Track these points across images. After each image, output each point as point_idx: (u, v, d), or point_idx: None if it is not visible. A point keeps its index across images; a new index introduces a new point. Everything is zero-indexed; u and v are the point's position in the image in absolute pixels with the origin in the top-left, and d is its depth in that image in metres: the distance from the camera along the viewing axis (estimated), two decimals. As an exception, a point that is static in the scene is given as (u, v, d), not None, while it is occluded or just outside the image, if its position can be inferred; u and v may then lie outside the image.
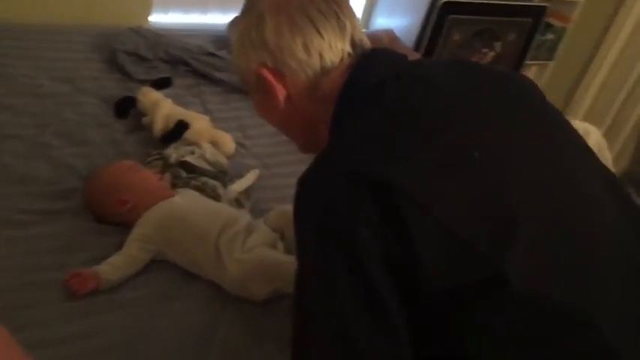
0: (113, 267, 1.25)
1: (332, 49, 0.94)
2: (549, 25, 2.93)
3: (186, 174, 1.53)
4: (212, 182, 1.51)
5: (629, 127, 3.07)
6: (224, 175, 1.58)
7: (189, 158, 1.55)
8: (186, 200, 1.40)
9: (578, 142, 0.96)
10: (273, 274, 1.27)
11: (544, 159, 0.86)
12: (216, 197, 1.50)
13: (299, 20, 0.93)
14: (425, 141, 0.82)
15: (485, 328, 0.77)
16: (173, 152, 1.59)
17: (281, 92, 0.96)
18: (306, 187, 0.84)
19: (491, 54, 2.80)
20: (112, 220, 1.39)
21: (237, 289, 1.28)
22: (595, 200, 0.87)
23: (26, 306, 1.17)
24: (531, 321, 0.76)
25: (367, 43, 0.99)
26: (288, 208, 1.39)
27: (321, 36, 0.93)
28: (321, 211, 0.79)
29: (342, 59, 0.95)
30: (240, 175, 1.64)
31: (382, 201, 0.75)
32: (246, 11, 0.99)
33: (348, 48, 0.96)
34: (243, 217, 1.40)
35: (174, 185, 1.51)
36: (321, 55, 0.93)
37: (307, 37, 0.93)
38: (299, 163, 1.80)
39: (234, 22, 1.01)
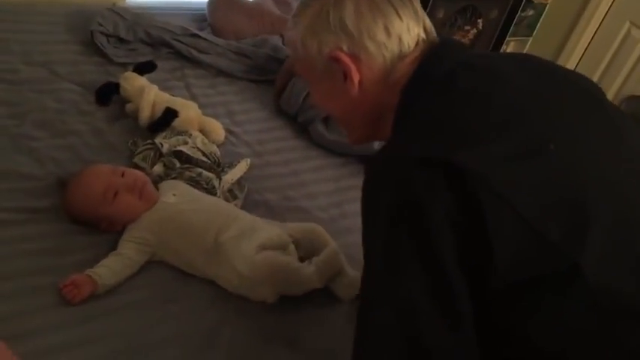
0: (110, 270, 1.19)
1: (410, 33, 0.94)
2: (529, 1, 2.90)
3: (180, 164, 1.46)
4: (207, 174, 1.44)
5: (606, 103, 3.10)
6: (218, 167, 1.52)
7: (183, 148, 1.48)
8: (182, 199, 1.33)
9: None
10: (286, 280, 1.23)
11: (615, 155, 0.86)
12: (211, 190, 1.44)
13: (379, 2, 0.92)
14: (499, 130, 0.81)
15: (553, 323, 0.76)
16: (164, 141, 1.52)
17: (356, 77, 0.94)
18: (379, 170, 0.83)
19: (474, 31, 2.77)
20: None
21: (244, 289, 1.23)
22: None
23: (20, 313, 1.11)
24: (602, 316, 0.76)
25: (434, 33, 0.99)
26: (319, 227, 1.36)
27: (401, 19, 0.93)
28: (395, 194, 0.78)
29: (417, 44, 0.95)
30: (231, 165, 1.58)
31: (457, 187, 0.74)
32: None
33: (422, 34, 0.95)
34: (244, 214, 1.35)
35: (167, 175, 1.45)
36: (400, 39, 0.93)
37: (388, 18, 0.92)
38: (291, 150, 1.78)
39: (300, 8, 0.98)
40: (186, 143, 1.52)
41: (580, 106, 0.90)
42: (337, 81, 0.96)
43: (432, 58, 0.93)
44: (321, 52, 0.95)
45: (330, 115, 1.11)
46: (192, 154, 1.48)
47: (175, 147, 1.49)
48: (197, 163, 1.47)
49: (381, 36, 0.92)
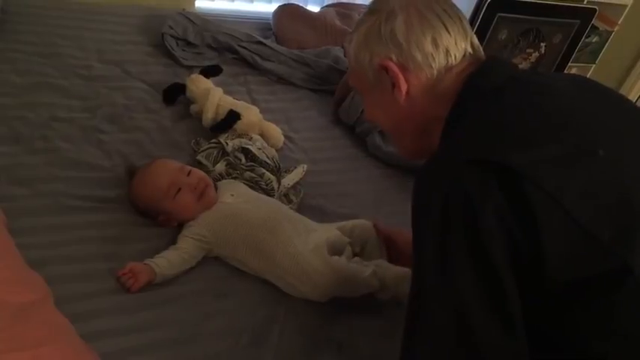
0: (169, 262, 1.23)
1: (457, 46, 0.96)
2: (594, 28, 2.86)
3: (245, 161, 1.51)
4: (268, 175, 1.48)
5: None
6: (277, 171, 1.55)
7: (251, 147, 1.52)
8: (239, 199, 1.37)
9: None
10: (346, 284, 1.25)
11: None
12: (269, 191, 1.47)
13: (428, 16, 0.96)
14: (550, 135, 0.84)
15: (604, 324, 0.77)
16: (229, 141, 1.56)
17: (404, 85, 0.98)
18: (429, 173, 0.86)
19: (535, 55, 2.74)
20: None
21: (292, 288, 1.25)
22: None
23: (79, 296, 1.15)
24: None
25: (482, 51, 1.02)
26: (368, 223, 1.39)
27: (449, 32, 0.96)
28: (446, 194, 0.80)
29: (464, 57, 0.97)
30: (288, 170, 1.62)
31: (509, 188, 0.76)
32: (372, 12, 1.01)
33: (469, 48, 0.98)
34: (300, 216, 1.38)
35: (228, 174, 1.49)
36: (447, 51, 0.96)
37: (436, 31, 0.96)
38: (346, 159, 1.80)
39: (356, 24, 1.04)
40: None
41: (628, 120, 0.92)
42: (386, 91, 1.00)
43: (483, 71, 0.95)
44: (372, 63, 0.99)
45: (382, 127, 1.14)
46: (258, 155, 1.52)
47: (242, 145, 1.53)
48: (261, 164, 1.51)
49: (428, 47, 0.95)
